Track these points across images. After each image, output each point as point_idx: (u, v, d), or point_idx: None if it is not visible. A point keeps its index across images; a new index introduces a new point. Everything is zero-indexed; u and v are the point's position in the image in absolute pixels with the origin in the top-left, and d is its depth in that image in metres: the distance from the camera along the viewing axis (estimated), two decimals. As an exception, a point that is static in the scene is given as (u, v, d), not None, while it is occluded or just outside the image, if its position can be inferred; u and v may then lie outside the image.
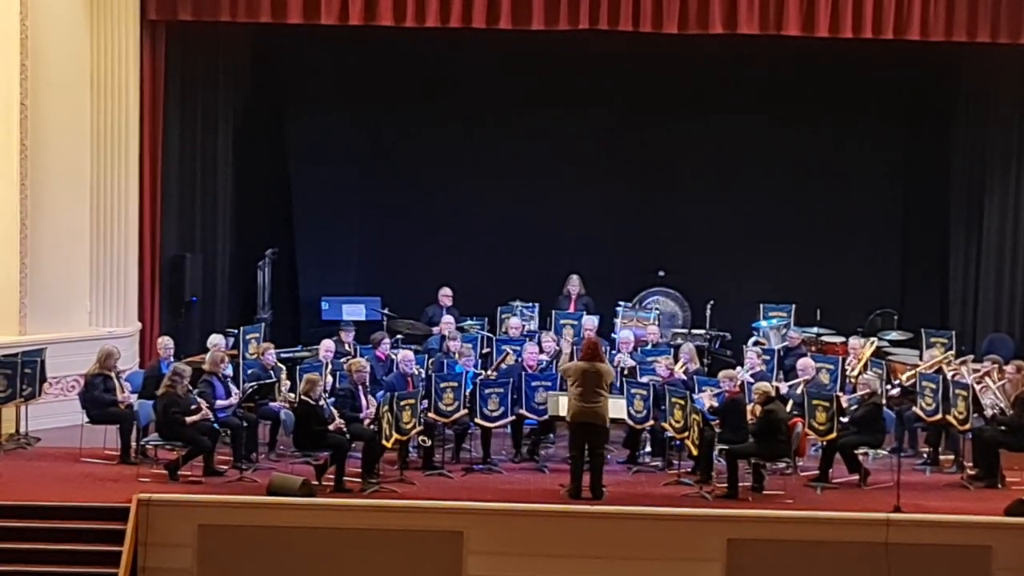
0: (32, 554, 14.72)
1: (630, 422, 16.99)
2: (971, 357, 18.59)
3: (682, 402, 16.35)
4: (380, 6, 19.32)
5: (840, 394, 17.18)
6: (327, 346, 18.12)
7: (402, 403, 16.30)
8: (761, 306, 20.27)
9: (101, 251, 19.32)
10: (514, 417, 17.33)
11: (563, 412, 16.44)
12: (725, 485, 16.10)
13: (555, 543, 14.79)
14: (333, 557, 14.81)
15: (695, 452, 16.37)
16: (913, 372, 17.86)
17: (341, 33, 20.17)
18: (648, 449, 17.56)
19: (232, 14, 19.50)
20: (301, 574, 14.82)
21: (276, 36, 21.31)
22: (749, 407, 16.39)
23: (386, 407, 16.17)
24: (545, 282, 20.90)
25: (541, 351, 18.25)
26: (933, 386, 17.12)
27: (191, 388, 16.49)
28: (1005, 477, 16.69)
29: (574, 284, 20.72)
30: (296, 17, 19.44)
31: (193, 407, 16.33)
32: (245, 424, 16.78)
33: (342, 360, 17.84)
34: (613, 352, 18.54)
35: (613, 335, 19.56)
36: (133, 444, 16.97)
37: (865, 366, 18.14)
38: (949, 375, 17.38)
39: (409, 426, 16.40)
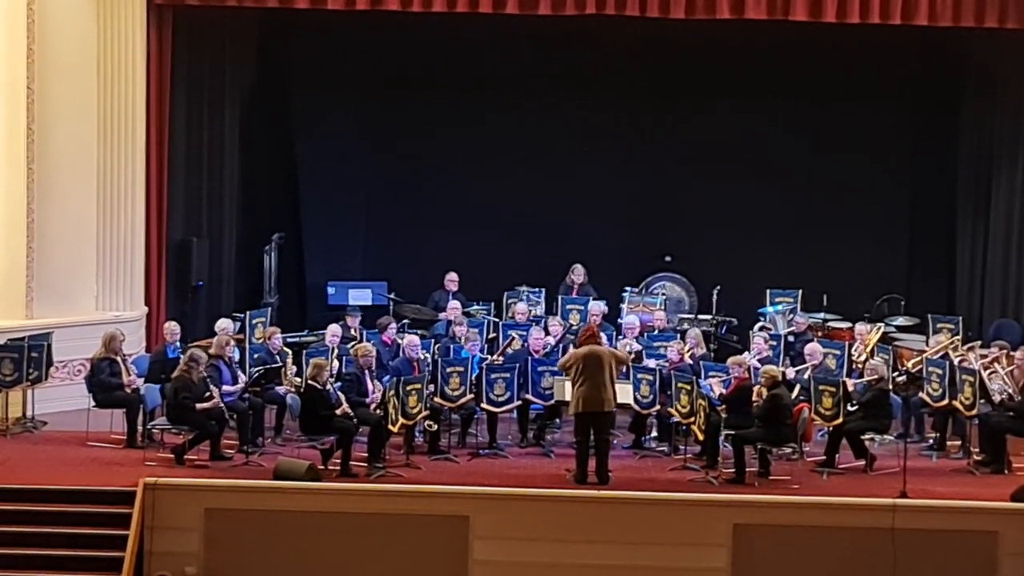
0: (38, 537, 14.75)
1: (636, 407, 16.97)
2: (979, 343, 18.58)
3: (688, 387, 16.34)
4: (387, -9, 19.35)
5: (847, 380, 17.16)
6: (333, 331, 18.12)
7: (408, 388, 16.30)
8: (768, 291, 20.25)
9: (108, 235, 19.33)
10: (520, 402, 17.33)
11: (569, 397, 16.42)
12: (731, 470, 16.11)
13: (561, 528, 14.80)
14: (339, 541, 14.83)
15: (701, 437, 16.37)
16: (919, 359, 17.84)
17: (348, 18, 20.15)
18: (654, 434, 17.56)
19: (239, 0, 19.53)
20: (307, 558, 14.83)
21: (283, 21, 21.31)
22: (755, 389, 16.38)
23: (392, 392, 16.17)
24: (552, 267, 20.88)
25: (547, 335, 18.24)
26: (940, 372, 17.11)
27: (205, 375, 16.47)
28: (1012, 462, 16.69)
29: (578, 273, 20.68)
30: (303, 2, 19.45)
31: (206, 395, 16.34)
32: (251, 409, 16.78)
33: (348, 345, 17.84)
34: (619, 337, 18.53)
35: (619, 320, 19.56)
36: (140, 428, 16.98)
37: (872, 352, 18.13)
38: (956, 361, 17.37)
39: (415, 411, 16.40)
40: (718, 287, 20.46)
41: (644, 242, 22.03)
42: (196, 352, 16.68)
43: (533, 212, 22.07)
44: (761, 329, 19.20)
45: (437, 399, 16.87)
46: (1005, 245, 21.19)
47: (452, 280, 20.36)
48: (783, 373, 16.93)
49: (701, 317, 20.45)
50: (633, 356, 17.84)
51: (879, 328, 19.08)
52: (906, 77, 22.25)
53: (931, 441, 17.48)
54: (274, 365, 17.39)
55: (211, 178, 21.12)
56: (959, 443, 17.31)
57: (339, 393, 16.45)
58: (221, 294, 21.18)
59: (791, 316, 19.63)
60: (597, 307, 19.27)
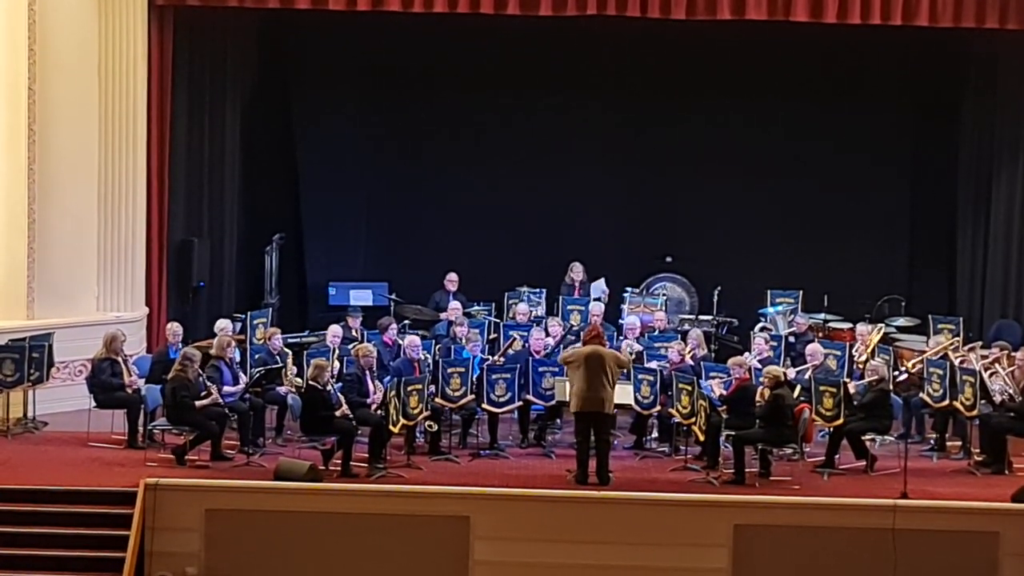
0: (39, 538, 14.74)
1: (637, 408, 16.97)
2: (979, 344, 18.58)
3: (689, 388, 16.34)
4: (388, -8, 19.35)
5: (847, 380, 17.17)
6: (334, 331, 18.13)
7: (409, 388, 16.30)
8: (768, 292, 20.26)
9: (109, 236, 19.33)
10: (521, 403, 17.33)
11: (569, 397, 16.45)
12: (732, 471, 16.11)
13: (561, 528, 14.79)
14: (340, 542, 14.82)
15: (702, 438, 16.37)
16: (920, 359, 17.85)
17: (348, 18, 20.15)
18: (655, 435, 17.56)
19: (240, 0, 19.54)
20: (308, 559, 14.83)
21: (283, 21, 21.33)
22: (758, 390, 16.39)
23: (393, 392, 16.18)
24: (552, 268, 20.90)
25: (548, 335, 18.25)
26: (940, 372, 17.11)
27: (201, 373, 16.49)
28: (1012, 463, 16.70)
29: (577, 271, 20.71)
30: (304, 3, 19.45)
31: (203, 392, 16.35)
32: (252, 409, 16.79)
33: (349, 345, 17.84)
34: (620, 338, 18.53)
35: (620, 321, 19.57)
36: (140, 429, 16.98)
37: (872, 352, 18.14)
38: (956, 361, 17.37)
39: (416, 411, 16.40)
40: (719, 288, 20.46)
41: (644, 242, 22.05)
42: (189, 351, 16.68)
43: (533, 212, 22.09)
44: (762, 330, 19.21)
45: (438, 400, 16.87)
46: (1005, 245, 21.21)
47: (452, 280, 20.37)
48: (784, 373, 16.92)
49: (702, 318, 20.47)
50: (634, 357, 17.85)
51: (880, 329, 19.08)
52: (906, 77, 22.27)
53: (932, 442, 17.49)
54: (275, 366, 17.39)
55: (212, 178, 21.14)
56: (960, 444, 17.32)
57: (340, 394, 16.44)
58: (222, 295, 21.18)
59: (792, 317, 19.65)
60: (598, 307, 19.28)
